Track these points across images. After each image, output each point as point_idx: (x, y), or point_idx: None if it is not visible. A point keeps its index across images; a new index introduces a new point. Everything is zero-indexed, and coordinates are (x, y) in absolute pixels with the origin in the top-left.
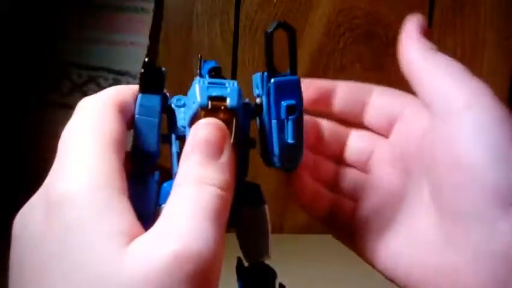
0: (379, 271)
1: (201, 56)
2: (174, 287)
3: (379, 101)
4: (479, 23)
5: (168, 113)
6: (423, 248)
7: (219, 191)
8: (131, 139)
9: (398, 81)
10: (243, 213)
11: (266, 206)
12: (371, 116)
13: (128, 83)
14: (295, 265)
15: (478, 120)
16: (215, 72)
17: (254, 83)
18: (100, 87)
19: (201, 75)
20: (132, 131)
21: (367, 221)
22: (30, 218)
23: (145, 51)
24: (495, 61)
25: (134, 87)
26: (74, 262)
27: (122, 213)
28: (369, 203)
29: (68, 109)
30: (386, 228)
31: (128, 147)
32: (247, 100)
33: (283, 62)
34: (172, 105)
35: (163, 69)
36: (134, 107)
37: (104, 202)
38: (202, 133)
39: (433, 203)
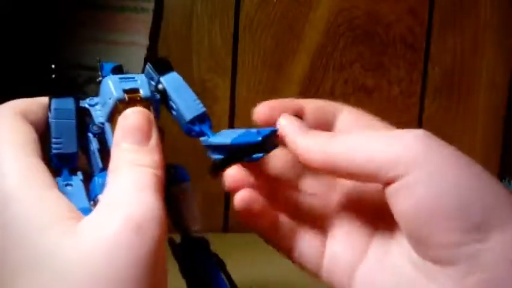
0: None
1: (99, 59)
2: (125, 252)
3: (346, 126)
4: (479, 23)
5: (82, 113)
6: (397, 279)
7: (151, 170)
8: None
9: (398, 81)
10: (170, 191)
11: (190, 183)
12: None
13: None
14: (269, 262)
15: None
16: (118, 70)
17: (147, 77)
18: None
19: (104, 76)
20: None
21: (336, 253)
22: None
23: (145, 51)
24: (495, 61)
25: (36, 99)
26: (23, 255)
27: (58, 202)
28: (339, 231)
29: None
30: (357, 259)
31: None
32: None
33: (283, 61)
34: (86, 105)
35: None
36: (45, 114)
37: (37, 196)
38: (130, 121)
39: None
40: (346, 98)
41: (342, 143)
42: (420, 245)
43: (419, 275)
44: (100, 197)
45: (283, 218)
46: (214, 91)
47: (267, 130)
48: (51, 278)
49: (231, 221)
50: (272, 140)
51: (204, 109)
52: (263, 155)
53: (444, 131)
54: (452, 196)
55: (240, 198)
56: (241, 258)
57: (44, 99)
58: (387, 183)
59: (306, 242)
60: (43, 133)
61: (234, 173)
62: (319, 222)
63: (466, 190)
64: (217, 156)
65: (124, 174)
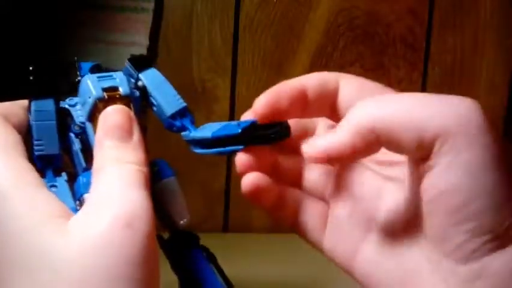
0: (350, 274)
1: (76, 59)
2: (116, 250)
3: (348, 91)
4: (479, 23)
5: (62, 114)
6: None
7: (136, 166)
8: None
9: (398, 81)
10: (155, 188)
11: (175, 177)
12: (342, 109)
13: None
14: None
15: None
16: (97, 69)
17: (126, 74)
18: None
19: (82, 76)
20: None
21: (341, 225)
22: None
23: (145, 51)
24: (495, 61)
25: (17, 101)
26: (15, 254)
27: (48, 201)
28: (344, 206)
29: None
30: (361, 234)
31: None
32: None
33: (283, 61)
34: (66, 106)
35: (51, 74)
36: (27, 116)
37: (29, 196)
38: (111, 119)
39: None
40: None
41: (395, 104)
42: (440, 236)
43: (426, 266)
44: (86, 196)
45: (288, 191)
46: (214, 91)
47: (247, 122)
48: (42, 276)
49: (231, 221)
50: (281, 130)
51: (184, 104)
52: (243, 147)
53: None
54: (484, 198)
55: (248, 181)
56: (241, 258)
57: (25, 102)
58: (428, 155)
59: (309, 210)
60: (26, 135)
61: (244, 158)
62: (322, 193)
63: (497, 194)
64: (199, 151)
65: (109, 172)
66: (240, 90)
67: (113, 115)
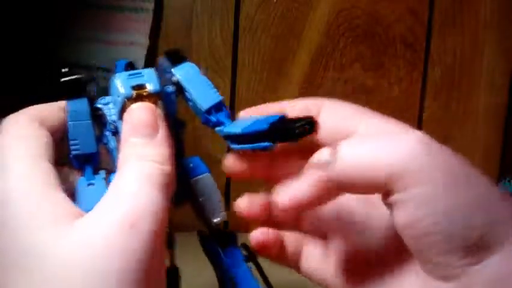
0: None
1: (114, 59)
2: (118, 250)
3: (327, 120)
4: (479, 23)
5: (97, 113)
6: None
7: (158, 164)
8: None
9: (398, 81)
10: (191, 185)
11: (209, 174)
12: (323, 136)
13: None
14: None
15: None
16: (130, 67)
17: (162, 70)
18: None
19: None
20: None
21: (345, 261)
22: None
23: (145, 51)
24: (495, 61)
25: (55, 103)
26: (18, 255)
27: (58, 202)
28: (346, 241)
29: None
30: (365, 268)
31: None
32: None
33: (283, 61)
34: (99, 105)
35: (80, 76)
36: (63, 117)
37: (38, 196)
38: (135, 117)
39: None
40: (346, 98)
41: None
42: (419, 258)
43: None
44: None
45: (289, 237)
46: None
47: (275, 117)
48: (43, 278)
49: (231, 221)
50: (307, 126)
51: (220, 98)
52: (271, 145)
53: (444, 131)
54: (451, 218)
55: (255, 238)
56: None
57: (61, 103)
58: (388, 193)
59: (311, 251)
60: (64, 136)
61: (246, 204)
62: (321, 233)
63: (465, 210)
64: (234, 146)
65: (127, 169)
66: (240, 90)
67: (137, 112)
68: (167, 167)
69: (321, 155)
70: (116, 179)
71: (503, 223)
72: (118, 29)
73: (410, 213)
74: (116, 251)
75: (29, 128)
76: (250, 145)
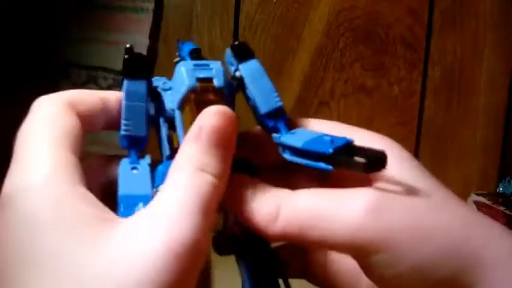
0: None
1: (178, 40)
2: (157, 279)
3: None
4: (479, 23)
5: (154, 96)
6: None
7: (214, 180)
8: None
9: (398, 81)
10: None
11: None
12: None
13: None
14: None
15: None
16: (196, 54)
17: (227, 61)
18: (100, 87)
19: (181, 58)
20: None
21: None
22: None
23: (145, 51)
24: (495, 61)
25: (94, 91)
26: (39, 254)
27: (83, 199)
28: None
29: None
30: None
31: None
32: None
33: (283, 62)
34: (158, 89)
35: (144, 54)
36: (100, 107)
37: (60, 191)
38: (211, 121)
39: None
40: (346, 98)
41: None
42: None
43: None
44: (160, 187)
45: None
46: None
47: (341, 140)
48: (72, 284)
49: None
50: (376, 161)
51: (280, 103)
52: (333, 169)
53: (444, 131)
54: (418, 274)
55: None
56: None
57: (103, 93)
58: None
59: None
60: (93, 126)
61: None
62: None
63: (429, 264)
64: (287, 156)
65: (181, 178)
66: None
67: (214, 117)
68: (221, 184)
69: (265, 206)
70: (167, 187)
71: (472, 267)
72: (118, 29)
73: (376, 274)
74: (155, 280)
75: (59, 116)
76: (308, 162)
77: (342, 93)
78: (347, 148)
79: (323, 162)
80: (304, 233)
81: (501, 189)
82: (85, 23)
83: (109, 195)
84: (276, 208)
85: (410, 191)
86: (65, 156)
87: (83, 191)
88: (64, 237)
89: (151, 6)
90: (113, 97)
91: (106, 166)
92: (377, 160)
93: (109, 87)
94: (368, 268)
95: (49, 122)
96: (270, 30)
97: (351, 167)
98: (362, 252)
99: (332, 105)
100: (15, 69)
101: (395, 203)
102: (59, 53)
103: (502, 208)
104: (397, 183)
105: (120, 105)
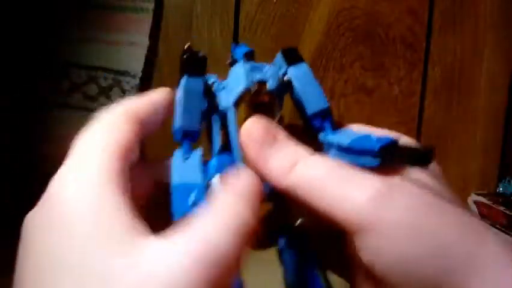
0: None
1: (232, 42)
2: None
3: None
4: (479, 24)
5: (209, 94)
6: None
7: (251, 217)
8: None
9: (398, 81)
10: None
11: None
12: None
13: (128, 83)
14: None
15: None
16: (249, 56)
17: (277, 64)
18: (100, 87)
19: (234, 59)
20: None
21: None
22: (31, 220)
23: (145, 51)
24: (495, 61)
25: (152, 97)
26: (71, 260)
27: (122, 210)
28: None
29: (67, 109)
30: None
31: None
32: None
33: None
34: (213, 88)
35: (203, 53)
36: (161, 113)
37: (100, 199)
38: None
39: None
40: (346, 97)
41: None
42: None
43: None
44: (213, 180)
45: None
46: None
47: (387, 139)
48: None
49: None
50: (423, 156)
51: (327, 105)
52: (378, 164)
53: (444, 131)
54: (405, 268)
55: None
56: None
57: (153, 96)
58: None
59: None
60: (150, 130)
61: None
62: None
63: (417, 262)
64: (332, 155)
65: (221, 205)
66: None
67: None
68: (255, 220)
69: (283, 160)
70: (205, 210)
71: (463, 271)
72: (118, 29)
73: (366, 260)
74: None
75: (115, 127)
76: (355, 158)
77: (342, 93)
78: (392, 147)
79: (369, 158)
80: (309, 197)
81: (501, 189)
82: (85, 23)
83: (155, 199)
84: (291, 164)
85: (414, 187)
86: (112, 164)
87: (123, 201)
88: (97, 248)
89: (151, 6)
90: (160, 98)
91: (154, 169)
92: (425, 154)
93: (109, 87)
94: (361, 252)
95: (103, 130)
96: (270, 30)
97: (397, 162)
98: (357, 231)
99: (332, 105)
100: (15, 69)
101: (397, 196)
102: (59, 53)
103: (502, 208)
104: (404, 178)
105: (167, 103)
